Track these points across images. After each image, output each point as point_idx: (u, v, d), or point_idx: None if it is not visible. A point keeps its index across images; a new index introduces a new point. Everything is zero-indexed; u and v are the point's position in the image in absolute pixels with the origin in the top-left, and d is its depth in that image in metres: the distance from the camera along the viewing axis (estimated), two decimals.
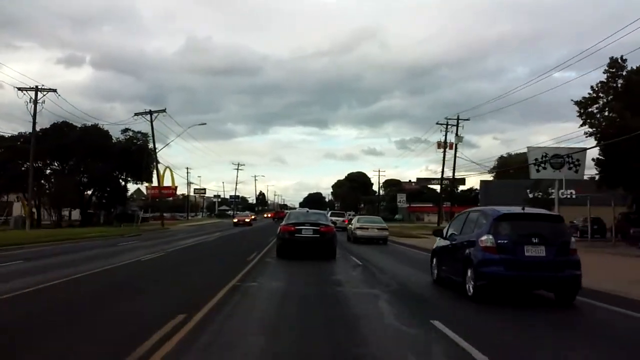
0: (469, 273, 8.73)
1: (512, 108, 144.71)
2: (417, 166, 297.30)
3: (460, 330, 6.23)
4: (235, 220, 54.15)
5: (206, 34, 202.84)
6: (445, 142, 54.27)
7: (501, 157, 78.51)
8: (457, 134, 52.83)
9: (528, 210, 8.98)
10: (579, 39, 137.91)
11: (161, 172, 77.28)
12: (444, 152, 54.74)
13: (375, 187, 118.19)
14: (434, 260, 11.08)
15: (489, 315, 7.81)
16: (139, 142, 55.39)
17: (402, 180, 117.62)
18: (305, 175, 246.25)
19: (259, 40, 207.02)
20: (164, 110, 48.02)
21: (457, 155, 54.09)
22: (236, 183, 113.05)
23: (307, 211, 20.54)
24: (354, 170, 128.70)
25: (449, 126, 53.64)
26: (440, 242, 10.85)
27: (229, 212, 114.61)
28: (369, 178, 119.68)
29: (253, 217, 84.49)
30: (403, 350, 5.51)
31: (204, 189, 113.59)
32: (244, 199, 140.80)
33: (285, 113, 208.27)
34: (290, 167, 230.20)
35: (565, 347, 6.04)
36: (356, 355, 5.22)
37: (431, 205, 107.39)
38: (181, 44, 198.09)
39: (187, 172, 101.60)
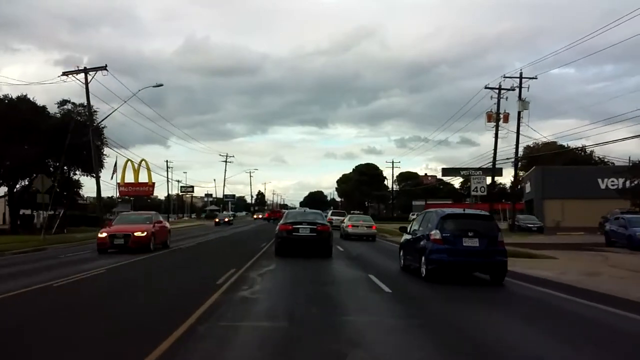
0: (422, 259, 11.52)
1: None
2: (417, 165, 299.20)
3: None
4: (103, 234, 20.37)
5: (205, 34, 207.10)
6: (498, 112, 40.66)
7: (527, 147, 73.89)
8: (520, 99, 38.99)
9: (467, 211, 11.72)
10: (578, 35, 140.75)
11: (135, 165, 68.95)
12: (497, 126, 41.13)
13: (384, 183, 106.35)
14: (401, 251, 13.83)
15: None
16: (81, 119, 41.97)
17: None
18: (306, 174, 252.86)
19: (258, 39, 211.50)
20: (104, 68, 35.42)
21: (518, 133, 40.28)
22: (224, 177, 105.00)
23: (305, 210, 22.65)
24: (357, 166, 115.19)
25: (503, 91, 40.49)
26: (405, 236, 13.82)
27: (220, 212, 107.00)
28: (381, 171, 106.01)
29: (228, 219, 64.29)
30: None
31: (192, 187, 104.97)
32: (241, 199, 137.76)
33: (285, 112, 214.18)
34: (291, 166, 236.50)
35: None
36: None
37: (450, 202, 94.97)
38: (180, 44, 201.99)
39: (167, 167, 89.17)
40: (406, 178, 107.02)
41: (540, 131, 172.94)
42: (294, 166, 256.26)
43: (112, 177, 64.50)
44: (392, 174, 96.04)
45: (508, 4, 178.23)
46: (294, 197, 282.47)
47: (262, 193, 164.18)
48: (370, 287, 11.44)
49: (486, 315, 8.58)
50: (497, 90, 40.34)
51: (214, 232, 41.06)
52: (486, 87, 40.48)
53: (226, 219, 64.01)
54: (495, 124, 40.70)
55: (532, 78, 39.35)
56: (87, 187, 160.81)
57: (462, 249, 11.76)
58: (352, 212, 71.43)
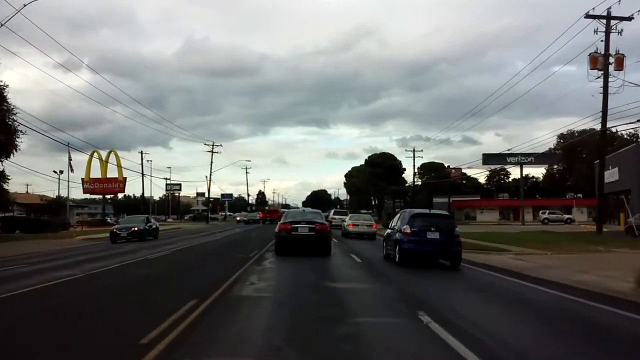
0: (396, 248, 14.91)
1: (513, 104, 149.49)
2: (418, 163, 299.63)
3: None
4: None
5: (204, 35, 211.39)
6: (607, 51, 28.80)
7: (561, 135, 75.11)
8: None
9: (432, 211, 15.13)
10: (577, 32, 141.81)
11: (103, 157, 64.25)
12: (606, 73, 29.10)
13: (402, 177, 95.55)
14: (384, 243, 17.37)
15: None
16: None
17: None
18: (308, 175, 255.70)
19: (258, 39, 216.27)
20: None
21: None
22: (210, 170, 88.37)
23: (304, 210, 24.33)
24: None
25: (610, 24, 28.83)
26: (387, 231, 17.50)
27: (210, 212, 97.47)
28: (399, 161, 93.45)
29: (136, 228, 33.35)
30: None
31: (179, 185, 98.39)
32: (241, 198, 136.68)
33: (286, 113, 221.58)
34: (293, 167, 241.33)
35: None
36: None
37: (479, 197, 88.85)
38: (179, 45, 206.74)
39: (142, 158, 79.10)
40: (431, 170, 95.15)
41: (542, 129, 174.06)
42: (295, 167, 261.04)
43: (71, 171, 59.15)
44: (414, 165, 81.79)
45: (508, 1, 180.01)
46: (297, 197, 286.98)
47: (262, 192, 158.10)
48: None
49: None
50: (604, 21, 28.59)
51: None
52: (587, 16, 29.18)
53: (135, 228, 34.44)
54: (603, 70, 28.82)
55: None
56: (48, 184, 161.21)
57: (427, 240, 15.44)
58: (360, 211, 72.56)
